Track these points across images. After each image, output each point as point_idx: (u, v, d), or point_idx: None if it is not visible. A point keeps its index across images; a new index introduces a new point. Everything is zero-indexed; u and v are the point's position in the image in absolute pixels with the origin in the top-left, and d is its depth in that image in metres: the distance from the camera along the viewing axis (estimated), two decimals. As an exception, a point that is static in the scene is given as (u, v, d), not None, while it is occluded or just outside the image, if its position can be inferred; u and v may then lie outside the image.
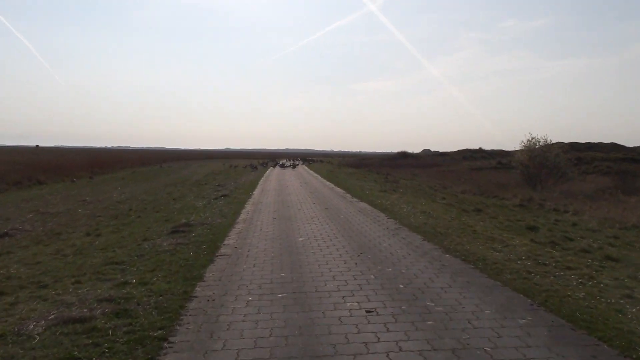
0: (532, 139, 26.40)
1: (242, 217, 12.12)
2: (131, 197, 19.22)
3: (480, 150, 72.44)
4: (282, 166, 50.06)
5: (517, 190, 23.11)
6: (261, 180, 26.22)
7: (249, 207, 14.25)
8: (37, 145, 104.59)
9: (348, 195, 17.95)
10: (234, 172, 34.91)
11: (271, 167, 48.08)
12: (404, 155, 74.71)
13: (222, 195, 17.11)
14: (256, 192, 19.41)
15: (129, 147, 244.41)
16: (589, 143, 58.88)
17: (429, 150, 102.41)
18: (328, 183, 24.59)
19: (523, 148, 26.50)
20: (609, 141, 60.05)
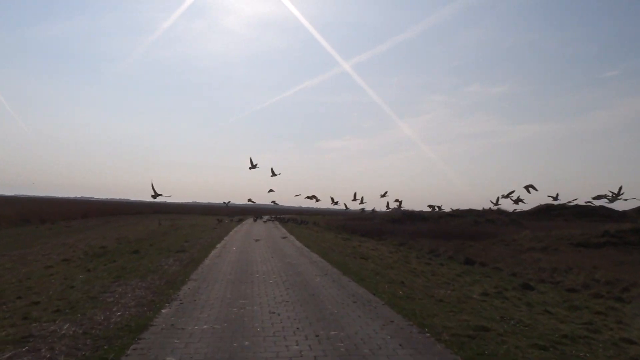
0: None
1: None
2: None
3: (499, 210, 56.15)
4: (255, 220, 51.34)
5: None
6: (188, 287, 11.60)
7: None
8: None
9: None
10: (161, 243, 19.83)
11: (235, 224, 43.83)
12: (410, 215, 53.26)
13: None
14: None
15: (93, 197, 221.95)
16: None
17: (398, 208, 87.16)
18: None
19: None
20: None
